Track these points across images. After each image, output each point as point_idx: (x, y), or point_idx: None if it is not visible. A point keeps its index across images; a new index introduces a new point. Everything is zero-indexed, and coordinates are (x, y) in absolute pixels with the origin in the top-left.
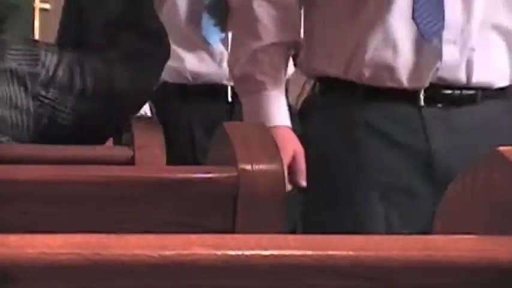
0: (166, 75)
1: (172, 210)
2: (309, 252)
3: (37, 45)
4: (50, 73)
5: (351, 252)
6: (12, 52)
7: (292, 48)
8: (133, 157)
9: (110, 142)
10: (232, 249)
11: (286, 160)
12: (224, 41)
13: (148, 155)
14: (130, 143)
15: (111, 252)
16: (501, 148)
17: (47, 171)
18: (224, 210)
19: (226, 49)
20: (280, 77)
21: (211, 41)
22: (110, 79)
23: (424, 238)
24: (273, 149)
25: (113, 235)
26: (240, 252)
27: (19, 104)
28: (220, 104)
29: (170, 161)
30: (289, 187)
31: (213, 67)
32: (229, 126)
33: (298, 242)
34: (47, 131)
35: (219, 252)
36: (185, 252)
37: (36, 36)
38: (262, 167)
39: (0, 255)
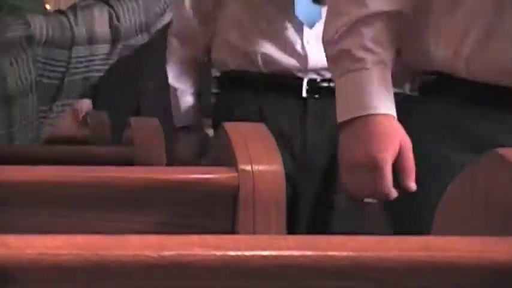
0: (233, 62)
1: (172, 210)
2: (309, 253)
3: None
4: (44, 33)
5: (350, 253)
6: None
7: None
8: (132, 157)
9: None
10: (232, 250)
11: (390, 156)
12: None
13: (148, 155)
14: (129, 143)
15: (111, 252)
16: (501, 149)
17: (46, 172)
18: (224, 210)
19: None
20: (386, 54)
21: (306, 23)
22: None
23: (424, 239)
24: (272, 150)
25: (112, 236)
26: (239, 253)
27: (25, 70)
28: (292, 99)
29: None
30: (394, 193)
31: (289, 56)
32: (229, 126)
33: (297, 243)
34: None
35: (218, 253)
36: (185, 252)
37: None
38: (262, 167)
39: (0, 255)
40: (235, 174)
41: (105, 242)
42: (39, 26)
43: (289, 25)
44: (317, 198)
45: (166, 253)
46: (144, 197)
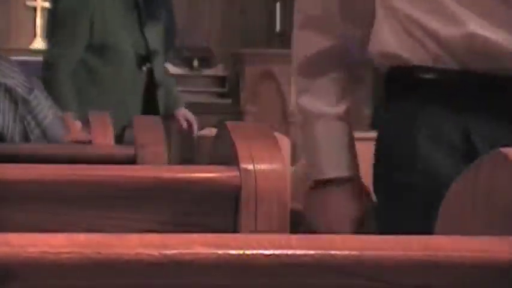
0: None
1: (174, 209)
2: (311, 252)
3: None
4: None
5: (352, 252)
6: (12, 75)
7: None
8: (134, 156)
9: (111, 141)
10: (234, 249)
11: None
12: None
13: (150, 154)
14: (131, 142)
15: (113, 251)
16: (503, 149)
17: (47, 171)
18: (226, 209)
19: None
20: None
21: None
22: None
23: (425, 238)
24: (275, 149)
25: (114, 234)
26: (241, 252)
27: (6, 117)
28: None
29: None
30: None
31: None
32: (231, 125)
33: (299, 242)
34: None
35: (220, 252)
36: (187, 251)
37: (38, 34)
38: (264, 166)
39: (1, 253)
40: (237, 173)
41: (106, 241)
42: None
43: None
44: None
45: (167, 252)
46: (145, 195)
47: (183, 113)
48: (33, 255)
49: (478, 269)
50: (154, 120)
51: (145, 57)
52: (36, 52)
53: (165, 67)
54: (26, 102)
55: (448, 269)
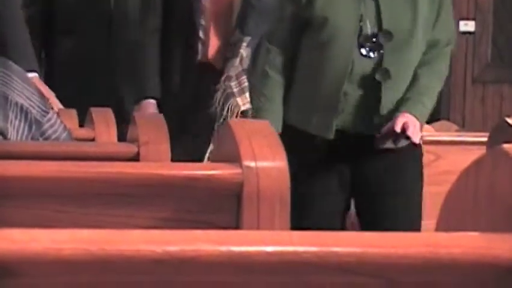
0: None
1: (177, 206)
2: (313, 249)
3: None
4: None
5: (354, 249)
6: (27, 94)
7: None
8: (138, 153)
9: (114, 138)
10: (236, 245)
11: None
12: None
13: (153, 152)
14: (135, 139)
15: (116, 247)
16: (505, 146)
17: (51, 168)
18: (228, 207)
19: None
20: None
21: None
22: None
23: (427, 235)
24: (277, 147)
25: (117, 230)
26: (243, 249)
27: (19, 137)
28: None
29: None
30: None
31: None
32: (233, 123)
33: (301, 239)
34: None
35: (222, 248)
36: (189, 247)
37: None
38: (266, 164)
39: (4, 249)
40: (240, 171)
41: (109, 237)
42: None
43: None
44: None
45: (170, 248)
46: (148, 192)
47: None
48: (36, 251)
49: (481, 265)
50: (157, 118)
51: None
52: None
53: None
54: (39, 125)
55: (451, 266)
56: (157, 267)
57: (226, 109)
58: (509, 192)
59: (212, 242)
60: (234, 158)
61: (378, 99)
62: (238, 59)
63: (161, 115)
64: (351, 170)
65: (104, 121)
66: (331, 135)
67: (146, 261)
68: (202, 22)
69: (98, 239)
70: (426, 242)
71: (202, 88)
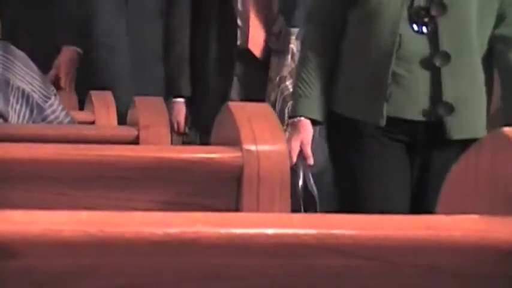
0: None
1: (176, 190)
2: (312, 231)
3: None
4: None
5: (354, 232)
6: (29, 79)
7: None
8: (138, 137)
9: (114, 122)
10: (236, 228)
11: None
12: None
13: (153, 135)
14: (135, 123)
15: (116, 229)
16: (505, 129)
17: (51, 150)
18: (228, 190)
19: None
20: None
21: None
22: None
23: (427, 218)
24: (277, 130)
25: (117, 212)
26: (243, 231)
27: (20, 121)
28: None
29: None
30: None
31: None
32: (234, 106)
33: (301, 221)
34: None
35: (222, 230)
36: (189, 229)
37: None
38: (266, 147)
39: (4, 231)
40: (240, 154)
41: (109, 219)
42: None
43: None
44: None
45: (170, 230)
46: (148, 175)
47: None
48: (36, 233)
49: (481, 248)
50: (157, 101)
51: None
52: None
53: None
54: (41, 110)
55: (451, 249)
56: (157, 249)
57: (286, 112)
58: (509, 176)
59: (212, 224)
60: (235, 141)
61: (438, 84)
62: (289, 56)
63: (161, 98)
64: (415, 159)
65: (104, 104)
66: (383, 122)
67: (146, 243)
68: (240, 8)
69: (98, 221)
70: (426, 224)
71: (244, 78)
